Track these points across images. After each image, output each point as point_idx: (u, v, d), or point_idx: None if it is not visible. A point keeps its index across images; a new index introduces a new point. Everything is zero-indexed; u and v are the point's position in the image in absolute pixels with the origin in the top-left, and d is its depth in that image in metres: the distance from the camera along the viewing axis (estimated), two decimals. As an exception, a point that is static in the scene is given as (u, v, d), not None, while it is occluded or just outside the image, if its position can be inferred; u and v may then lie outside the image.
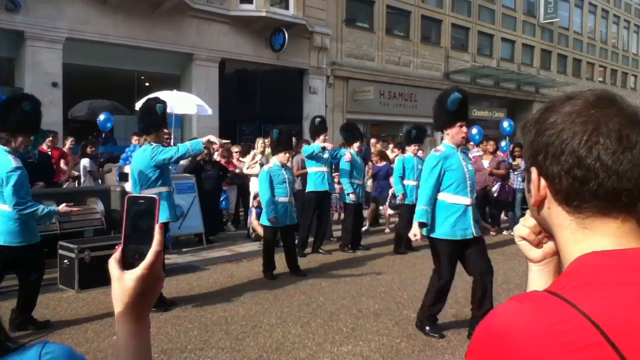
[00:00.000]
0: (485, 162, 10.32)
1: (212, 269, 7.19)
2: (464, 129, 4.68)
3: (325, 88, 17.80)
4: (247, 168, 9.94)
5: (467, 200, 4.63)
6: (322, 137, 8.17)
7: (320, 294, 6.01)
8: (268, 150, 9.37)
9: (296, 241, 7.51)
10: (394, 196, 9.35)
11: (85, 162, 9.48)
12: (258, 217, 7.50)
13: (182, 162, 8.37)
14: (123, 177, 8.37)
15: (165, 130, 6.46)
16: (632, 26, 35.99)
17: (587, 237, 0.81)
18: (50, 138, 8.86)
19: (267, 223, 6.73)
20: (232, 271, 7.08)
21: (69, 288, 5.87)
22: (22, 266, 4.61)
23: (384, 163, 10.33)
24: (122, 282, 0.85)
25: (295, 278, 6.69)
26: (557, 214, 0.84)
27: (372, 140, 12.41)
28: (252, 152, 10.26)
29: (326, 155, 8.11)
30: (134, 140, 9.32)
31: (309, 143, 8.96)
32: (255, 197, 8.54)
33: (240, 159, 10.39)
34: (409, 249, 8.51)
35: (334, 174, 8.65)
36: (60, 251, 5.98)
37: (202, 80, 14.51)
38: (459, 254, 4.68)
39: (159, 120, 5.47)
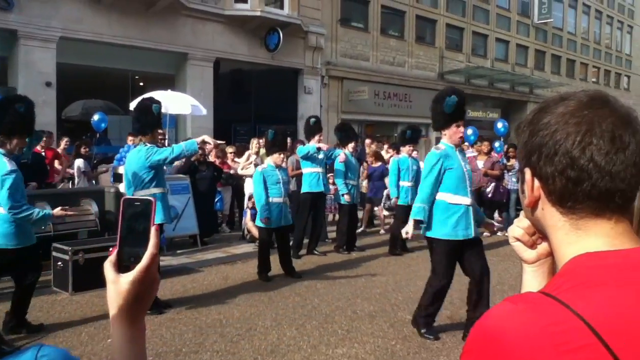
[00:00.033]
0: (480, 163, 10.34)
1: (207, 270, 7.17)
2: (461, 129, 4.70)
3: (320, 88, 17.81)
4: (242, 169, 9.93)
5: (467, 200, 4.63)
6: (317, 137, 8.16)
7: (315, 296, 6.00)
8: (263, 150, 9.37)
9: (291, 242, 7.50)
10: (388, 197, 9.36)
11: (79, 162, 9.44)
12: (253, 218, 7.50)
13: (175, 163, 8.35)
14: (117, 177, 8.34)
15: (160, 131, 6.44)
16: (625, 27, 36.19)
17: (581, 237, 0.81)
18: (45, 139, 8.82)
19: (262, 224, 6.72)
20: (226, 273, 7.06)
21: (62, 290, 5.84)
22: (18, 269, 4.59)
23: (379, 164, 10.34)
24: (118, 285, 0.85)
25: (290, 280, 6.68)
26: (550, 215, 0.84)
27: (367, 141, 12.42)
28: (246, 153, 10.25)
29: (321, 156, 8.10)
30: (130, 140, 9.29)
31: (303, 143, 8.96)
32: (250, 198, 8.54)
33: (236, 159, 10.37)
34: (404, 250, 8.52)
35: (328, 175, 8.65)
36: (53, 253, 5.94)
37: (197, 80, 14.49)
38: (458, 255, 4.67)
39: (155, 120, 5.45)
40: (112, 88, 13.88)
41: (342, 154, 8.34)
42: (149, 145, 5.35)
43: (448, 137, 4.70)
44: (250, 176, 8.70)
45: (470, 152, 11.12)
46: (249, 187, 8.97)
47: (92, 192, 7.78)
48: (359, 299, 5.91)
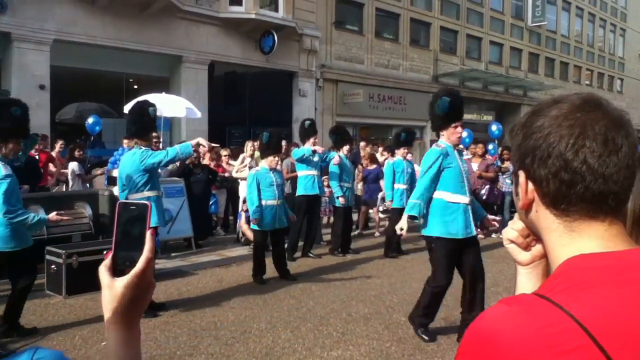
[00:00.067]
0: (474, 165, 10.36)
1: (202, 273, 7.15)
2: (459, 129, 4.71)
3: (315, 91, 17.82)
4: (237, 171, 9.91)
5: (465, 198, 4.64)
6: (312, 139, 8.17)
7: (310, 298, 6.00)
8: (257, 153, 9.35)
9: (286, 245, 7.49)
10: (384, 199, 9.37)
11: (73, 165, 9.40)
12: (248, 221, 7.49)
13: (169, 166, 8.33)
14: (111, 181, 8.31)
15: (154, 134, 6.43)
16: (617, 30, 36.41)
17: (575, 239, 0.81)
18: (40, 142, 8.78)
19: (256, 227, 6.71)
20: (221, 276, 7.05)
21: (56, 294, 5.81)
22: (14, 271, 4.57)
23: (374, 166, 10.36)
24: (113, 289, 0.84)
25: (285, 282, 6.67)
26: (544, 217, 0.84)
27: (362, 144, 12.44)
28: (241, 156, 10.23)
29: (316, 159, 8.10)
30: (125, 143, 9.26)
31: (298, 146, 8.96)
32: (244, 201, 8.51)
33: (230, 162, 10.35)
34: (399, 253, 8.52)
35: (323, 178, 8.65)
36: (47, 256, 5.91)
37: (191, 83, 14.47)
38: (458, 256, 4.65)
39: (151, 123, 5.46)
40: (106, 91, 13.84)
41: (337, 157, 8.35)
42: (143, 148, 5.34)
43: (446, 138, 4.72)
44: (245, 179, 8.69)
45: (465, 155, 11.15)
46: (243, 190, 8.95)
47: (86, 195, 7.75)
48: (354, 301, 5.91)
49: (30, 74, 11.72)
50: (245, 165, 9.54)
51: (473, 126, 19.22)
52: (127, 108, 9.18)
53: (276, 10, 16.05)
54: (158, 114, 6.53)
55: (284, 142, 9.77)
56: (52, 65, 12.05)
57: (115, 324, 0.85)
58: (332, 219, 9.65)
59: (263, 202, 6.64)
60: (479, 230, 4.92)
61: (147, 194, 5.30)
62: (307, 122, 8.40)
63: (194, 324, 5.07)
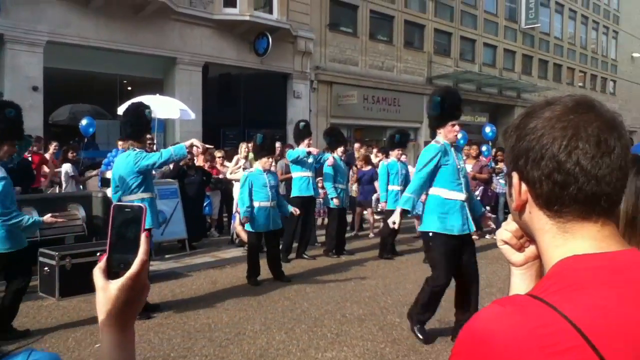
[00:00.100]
0: (468, 167, 10.38)
1: (195, 275, 7.13)
2: (456, 127, 4.71)
3: (309, 92, 17.82)
4: (231, 173, 9.90)
5: (462, 195, 4.64)
6: (306, 141, 8.17)
7: (305, 300, 5.99)
8: (252, 155, 9.34)
9: (280, 246, 7.48)
10: (378, 201, 9.38)
11: (67, 167, 9.35)
12: (242, 222, 7.47)
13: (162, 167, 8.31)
14: (105, 182, 8.28)
15: (148, 136, 6.42)
16: (610, 32, 36.63)
17: (568, 240, 0.82)
18: (35, 144, 8.75)
19: (250, 228, 6.70)
20: (215, 277, 7.03)
21: (49, 296, 5.77)
22: (8, 272, 4.54)
23: (368, 167, 10.37)
24: (107, 291, 0.84)
25: (279, 284, 6.66)
26: (538, 218, 0.85)
27: (356, 145, 12.46)
28: (235, 157, 10.22)
29: (310, 160, 8.11)
30: (120, 145, 9.24)
31: (292, 147, 8.95)
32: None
33: (226, 163, 10.34)
34: (394, 254, 8.53)
35: (317, 179, 8.65)
36: (40, 258, 5.88)
37: (185, 85, 14.44)
38: (457, 254, 4.63)
39: (147, 125, 5.45)
40: (100, 92, 13.79)
41: (331, 158, 8.35)
42: (137, 150, 5.33)
43: (443, 136, 4.72)
44: (239, 180, 8.68)
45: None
46: (237, 191, 8.93)
47: (80, 197, 7.72)
48: (348, 302, 5.91)
49: (23, 75, 11.66)
50: (240, 167, 9.53)
51: (467, 128, 19.26)
52: (121, 110, 9.16)
53: (270, 12, 16.05)
54: (152, 115, 6.52)
55: (278, 144, 9.76)
56: (45, 66, 12.00)
57: (109, 326, 0.85)
58: (326, 220, 9.65)
59: (256, 204, 6.63)
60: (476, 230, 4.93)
61: (141, 195, 5.29)
62: (302, 124, 8.41)
63: (187, 326, 5.05)
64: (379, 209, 9.82)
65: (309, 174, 8.10)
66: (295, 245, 8.31)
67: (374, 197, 9.95)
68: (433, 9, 22.66)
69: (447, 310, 5.28)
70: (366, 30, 19.83)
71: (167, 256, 8.14)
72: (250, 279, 6.67)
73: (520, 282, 0.95)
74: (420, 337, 4.67)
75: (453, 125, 4.68)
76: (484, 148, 12.49)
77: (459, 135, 4.98)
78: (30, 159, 8.62)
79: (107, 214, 7.29)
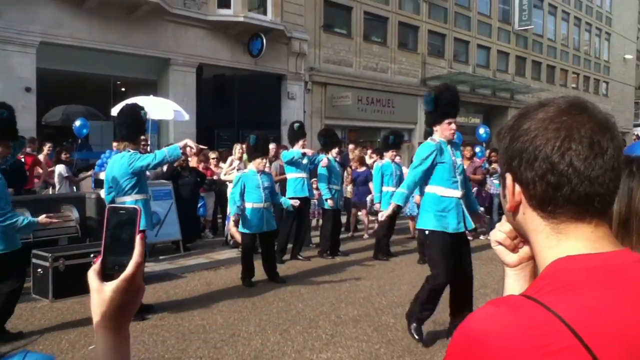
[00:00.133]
0: (462, 167, 10.41)
1: (190, 276, 7.11)
2: (453, 125, 4.69)
3: (304, 94, 17.83)
4: (225, 174, 9.89)
5: (458, 193, 4.64)
6: (301, 142, 8.16)
7: (299, 301, 5.99)
8: (246, 156, 9.33)
9: (275, 248, 7.47)
10: (373, 202, 9.39)
11: (60, 168, 9.31)
12: (236, 223, 7.46)
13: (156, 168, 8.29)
14: (98, 183, 8.24)
15: (142, 137, 6.41)
16: (603, 34, 36.84)
17: (562, 241, 0.82)
18: (30, 145, 8.71)
19: (244, 230, 6.69)
20: (210, 279, 7.01)
21: (42, 297, 5.74)
22: (2, 274, 4.51)
23: (363, 168, 10.38)
24: (102, 293, 0.84)
25: (273, 285, 6.65)
26: (531, 219, 0.85)
27: (351, 146, 12.46)
28: (229, 159, 10.21)
29: (305, 161, 8.10)
30: (115, 146, 9.21)
31: (287, 149, 8.95)
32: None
33: (222, 165, 10.33)
34: (389, 255, 8.54)
35: (311, 180, 8.65)
36: (33, 260, 5.84)
37: (179, 86, 14.41)
38: (455, 252, 4.61)
39: (143, 126, 5.45)
40: (93, 93, 13.73)
41: (325, 159, 8.35)
42: (132, 151, 5.31)
43: (440, 133, 4.71)
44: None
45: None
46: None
47: (73, 198, 7.69)
48: (343, 303, 5.91)
49: (15, 76, 11.60)
50: (234, 168, 9.52)
51: (461, 129, 19.30)
52: (114, 111, 9.13)
53: (265, 13, 16.05)
54: (146, 116, 6.51)
55: (273, 145, 9.76)
56: (38, 67, 11.95)
57: (104, 328, 0.85)
58: (321, 222, 9.65)
59: (249, 205, 6.63)
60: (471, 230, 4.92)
61: (135, 197, 5.27)
62: (296, 125, 8.40)
63: (182, 327, 5.04)
64: (373, 210, 9.84)
65: (303, 175, 8.10)
66: (289, 246, 8.30)
67: (369, 198, 9.96)
68: (427, 11, 22.72)
69: (442, 310, 5.29)
70: (360, 32, 19.85)
71: (161, 257, 8.11)
72: (244, 280, 6.66)
73: (515, 283, 0.95)
74: (416, 337, 4.65)
75: (449, 123, 4.66)
76: (477, 149, 12.53)
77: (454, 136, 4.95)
78: (23, 160, 8.58)
79: (100, 215, 7.27)
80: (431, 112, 4.71)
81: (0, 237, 4.35)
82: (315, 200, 9.12)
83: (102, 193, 6.94)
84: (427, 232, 4.65)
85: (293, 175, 8.11)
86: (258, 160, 6.73)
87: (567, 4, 32.46)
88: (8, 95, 10.01)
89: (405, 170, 9.58)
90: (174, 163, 8.11)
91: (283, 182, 8.59)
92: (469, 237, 9.50)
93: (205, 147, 6.63)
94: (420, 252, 8.26)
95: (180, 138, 10.19)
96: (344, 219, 10.33)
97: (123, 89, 14.31)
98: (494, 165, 10.62)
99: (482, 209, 6.32)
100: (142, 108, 5.52)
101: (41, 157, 9.56)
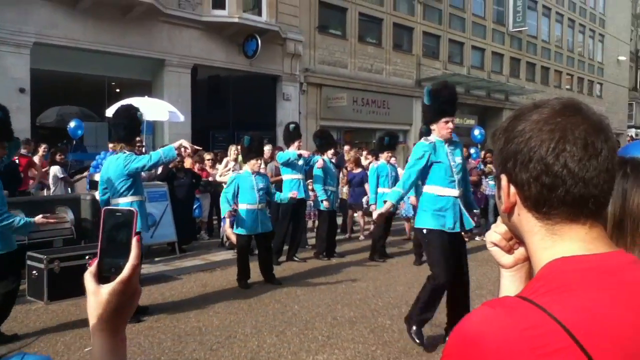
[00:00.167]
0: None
1: (186, 278, 7.10)
2: (450, 124, 4.63)
3: (299, 95, 17.83)
4: (220, 175, 9.87)
5: (454, 192, 4.61)
6: (296, 143, 8.16)
7: (295, 303, 5.99)
8: (241, 157, 9.32)
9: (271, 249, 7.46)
10: (368, 203, 9.39)
11: (55, 169, 9.28)
12: (232, 225, 7.45)
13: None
14: (93, 185, 8.21)
15: (137, 138, 6.40)
16: (596, 35, 37.01)
17: (557, 242, 0.83)
18: (26, 146, 8.68)
19: (240, 231, 6.68)
20: (205, 280, 7.00)
21: (37, 300, 5.72)
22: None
23: (359, 170, 10.39)
24: (98, 296, 0.84)
25: (270, 287, 6.65)
26: (526, 220, 0.85)
27: (346, 147, 12.47)
28: (225, 160, 10.20)
29: (301, 162, 8.10)
30: (111, 147, 9.18)
31: (283, 150, 8.95)
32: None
33: (218, 166, 10.32)
34: (385, 256, 8.54)
35: (307, 181, 8.65)
36: (28, 262, 5.82)
37: (174, 87, 14.38)
38: (454, 251, 4.57)
39: (139, 127, 5.44)
40: (88, 94, 13.69)
41: (321, 160, 8.35)
42: (127, 152, 5.30)
43: (437, 132, 4.68)
44: (229, 183, 8.66)
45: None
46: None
47: (68, 200, 7.66)
48: (339, 305, 5.91)
49: (9, 77, 11.55)
50: (229, 169, 9.51)
51: (456, 130, 19.32)
52: (109, 112, 9.09)
53: (259, 14, 16.04)
54: (142, 117, 6.50)
55: (269, 146, 9.76)
56: (32, 68, 11.90)
57: (100, 330, 0.85)
58: (317, 223, 9.65)
59: (244, 206, 6.63)
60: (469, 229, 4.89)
61: (130, 198, 5.26)
62: (292, 126, 8.39)
63: (178, 329, 5.03)
64: (369, 211, 9.84)
65: (299, 176, 8.09)
66: (285, 247, 8.29)
67: (364, 199, 9.96)
68: (421, 12, 22.77)
69: (438, 312, 5.30)
70: (355, 33, 19.87)
71: (156, 259, 8.09)
72: (240, 281, 6.65)
73: (510, 284, 0.95)
74: (417, 341, 4.56)
75: (446, 122, 4.61)
76: (472, 150, 12.55)
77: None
78: (17, 161, 8.54)
79: (95, 217, 7.25)
80: (429, 106, 4.65)
81: None
82: (311, 202, 9.12)
83: (97, 194, 6.93)
84: (424, 230, 4.61)
85: (289, 177, 8.11)
86: (253, 162, 6.73)
87: (560, 5, 32.61)
88: (2, 96, 9.96)
89: (400, 171, 9.60)
90: (169, 164, 8.09)
91: (279, 183, 8.58)
92: (465, 238, 9.56)
93: (200, 148, 6.62)
94: (416, 254, 8.27)
95: (175, 139, 10.15)
96: (339, 221, 10.34)
97: (118, 90, 14.27)
98: (490, 166, 10.65)
99: (477, 210, 6.32)
100: (137, 109, 5.51)
101: (36, 158, 9.52)
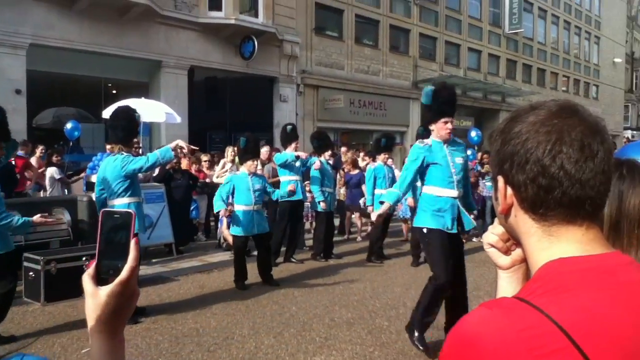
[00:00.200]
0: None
1: (183, 279, 7.09)
2: (449, 125, 4.60)
3: (296, 96, 17.83)
4: (217, 177, 9.87)
5: (453, 192, 4.58)
6: (293, 144, 8.16)
7: (293, 304, 5.99)
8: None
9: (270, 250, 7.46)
10: (365, 204, 9.41)
11: (52, 171, 9.25)
12: (229, 226, 7.45)
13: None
14: (90, 186, 8.20)
15: (134, 139, 6.39)
16: (592, 37, 37.11)
17: (553, 244, 0.83)
18: (24, 147, 8.66)
19: (236, 232, 6.68)
20: (203, 282, 7.00)
21: (34, 301, 5.70)
22: None
23: (356, 171, 10.40)
24: (96, 298, 0.84)
25: (267, 288, 6.64)
26: (523, 222, 0.86)
27: (343, 149, 12.48)
28: (222, 161, 10.19)
29: (298, 164, 8.10)
30: (108, 148, 9.16)
31: (280, 151, 8.95)
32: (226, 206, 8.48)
33: (216, 167, 10.31)
34: (382, 257, 8.55)
35: (304, 183, 8.65)
36: (25, 263, 5.80)
37: (171, 88, 14.36)
38: (454, 250, 4.56)
39: (137, 129, 5.43)
40: (84, 96, 13.66)
41: (318, 162, 8.35)
42: (125, 154, 5.29)
43: (436, 132, 4.66)
44: (226, 184, 8.65)
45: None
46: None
47: (65, 201, 7.64)
48: (337, 306, 5.91)
49: (5, 78, 11.51)
50: (226, 171, 9.51)
51: (453, 132, 19.38)
52: (106, 113, 9.07)
53: (256, 15, 16.03)
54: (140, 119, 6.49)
55: (267, 148, 9.76)
56: (28, 69, 11.86)
57: (99, 332, 0.85)
58: (314, 224, 9.65)
59: (239, 207, 6.63)
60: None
61: (127, 200, 5.25)
62: (289, 127, 8.39)
63: (175, 331, 5.02)
64: (366, 213, 9.85)
65: (296, 177, 8.09)
66: (283, 249, 8.29)
67: (362, 200, 9.97)
68: (418, 14, 22.80)
69: (437, 313, 5.31)
70: (352, 35, 19.89)
71: (153, 260, 8.07)
72: (237, 283, 6.64)
73: (507, 285, 0.96)
74: (421, 348, 4.47)
75: (445, 123, 4.58)
76: (469, 152, 12.57)
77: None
78: (13, 163, 8.52)
79: (92, 218, 7.23)
80: (429, 106, 4.63)
81: None
82: (308, 203, 9.13)
83: (94, 196, 6.91)
84: (425, 230, 4.58)
85: (286, 178, 8.10)
86: (249, 163, 6.73)
87: (556, 7, 32.69)
88: (-2, 97, 9.94)
89: (397, 172, 9.61)
90: (166, 165, 8.08)
91: (276, 185, 8.57)
92: (463, 240, 9.56)
93: (197, 148, 6.60)
94: (413, 255, 8.28)
95: (172, 141, 10.16)
96: (337, 222, 10.34)
97: (114, 92, 14.25)
98: (486, 167, 10.66)
99: (474, 212, 6.30)
100: (135, 111, 5.51)
101: (34, 159, 9.50)
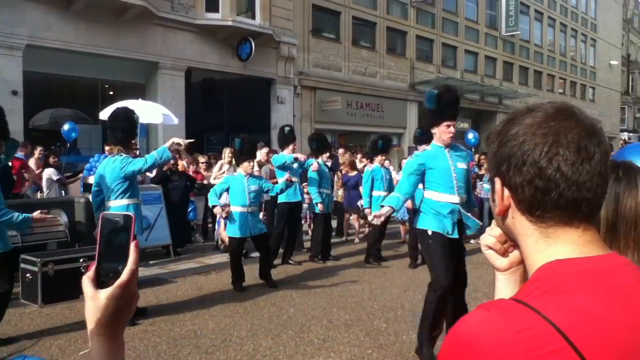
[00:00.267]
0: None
1: (180, 281, 7.08)
2: (451, 128, 4.54)
3: (293, 98, 17.83)
4: (214, 178, 9.86)
5: (455, 198, 4.54)
6: (291, 146, 8.16)
7: (291, 306, 5.98)
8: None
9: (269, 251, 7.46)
10: (363, 206, 9.41)
11: (50, 172, 9.23)
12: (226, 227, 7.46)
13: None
14: (87, 187, 8.19)
15: (132, 141, 6.38)
16: (588, 40, 37.23)
17: (550, 245, 0.83)
18: (22, 148, 8.65)
19: (231, 234, 6.68)
20: (200, 283, 6.99)
21: (31, 303, 5.69)
22: None
23: (354, 173, 10.40)
24: (96, 300, 0.84)
25: (265, 289, 6.64)
26: (520, 224, 0.86)
27: (340, 151, 12.49)
28: (219, 163, 10.18)
29: (296, 166, 8.10)
30: (107, 150, 9.15)
31: (277, 153, 8.95)
32: (223, 207, 8.47)
33: (213, 168, 10.31)
34: (380, 259, 8.55)
35: (302, 184, 8.66)
36: (22, 265, 5.79)
37: (168, 89, 14.34)
38: (454, 254, 4.52)
39: (135, 130, 5.43)
40: (81, 97, 13.64)
41: (315, 163, 8.35)
42: (124, 155, 5.28)
43: (438, 136, 4.61)
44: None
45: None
46: (222, 197, 8.90)
47: (62, 202, 7.62)
48: (335, 308, 5.91)
49: (2, 79, 11.48)
50: (223, 172, 9.50)
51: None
52: (103, 114, 9.07)
53: (253, 17, 16.03)
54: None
55: (265, 149, 9.76)
56: (24, 70, 11.82)
57: (99, 335, 0.85)
58: (312, 226, 9.65)
59: (235, 208, 6.63)
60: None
61: (126, 201, 5.24)
62: (287, 129, 8.40)
63: (173, 333, 5.01)
64: (364, 214, 9.85)
65: (294, 179, 8.08)
66: (281, 250, 8.28)
67: (359, 202, 9.98)
68: (415, 16, 22.83)
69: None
70: (349, 36, 19.91)
71: (151, 262, 8.06)
72: (235, 284, 6.64)
73: (505, 287, 0.96)
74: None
75: (448, 126, 4.53)
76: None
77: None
78: (10, 164, 8.49)
79: (89, 220, 7.22)
80: (432, 110, 4.57)
81: None
82: (306, 205, 9.13)
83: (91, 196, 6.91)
84: (429, 232, 4.52)
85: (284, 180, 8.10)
86: (245, 164, 6.73)
87: (552, 10, 32.78)
88: (-5, 98, 9.91)
89: (394, 174, 9.62)
90: (164, 166, 8.07)
91: (273, 186, 8.58)
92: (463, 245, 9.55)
93: (193, 140, 6.54)
94: (411, 257, 8.29)
95: (169, 142, 10.15)
96: (335, 224, 10.34)
97: (111, 93, 14.23)
98: (485, 168, 10.67)
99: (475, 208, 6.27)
100: (134, 112, 5.51)
101: (32, 160, 9.47)
